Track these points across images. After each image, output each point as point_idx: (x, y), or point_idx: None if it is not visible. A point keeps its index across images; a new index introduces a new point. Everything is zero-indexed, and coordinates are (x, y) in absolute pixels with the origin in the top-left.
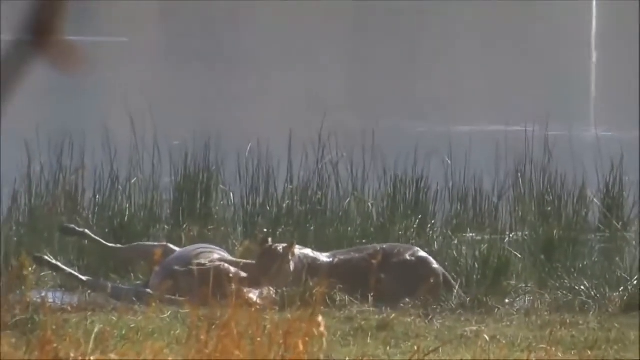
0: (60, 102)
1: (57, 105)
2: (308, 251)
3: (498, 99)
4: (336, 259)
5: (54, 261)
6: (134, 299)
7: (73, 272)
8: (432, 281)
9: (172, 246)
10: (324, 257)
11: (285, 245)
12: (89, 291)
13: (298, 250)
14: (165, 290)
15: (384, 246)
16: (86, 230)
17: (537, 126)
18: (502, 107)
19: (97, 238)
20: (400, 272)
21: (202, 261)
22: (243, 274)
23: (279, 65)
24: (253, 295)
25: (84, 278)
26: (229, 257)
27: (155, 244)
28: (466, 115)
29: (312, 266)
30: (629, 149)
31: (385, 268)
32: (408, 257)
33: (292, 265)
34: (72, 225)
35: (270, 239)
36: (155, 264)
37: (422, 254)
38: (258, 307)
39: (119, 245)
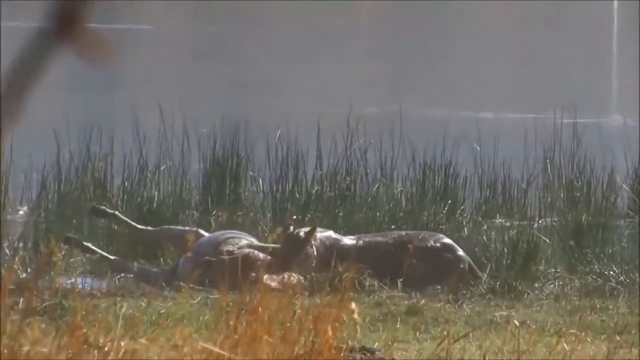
0: (89, 91)
1: (86, 94)
2: (330, 233)
3: (527, 86)
4: (361, 242)
5: (83, 242)
6: (163, 283)
7: (101, 252)
8: (458, 267)
9: (202, 232)
10: (348, 240)
11: (307, 230)
12: (117, 272)
13: (320, 233)
14: (194, 276)
15: (409, 232)
16: (117, 212)
17: (566, 113)
18: (531, 95)
19: (127, 220)
20: (425, 258)
21: (230, 247)
22: (270, 260)
23: (308, 52)
24: (275, 282)
25: (111, 257)
26: (257, 243)
27: (186, 228)
28: (494, 103)
29: (337, 249)
30: None
31: (411, 253)
32: (433, 243)
33: (314, 250)
34: (103, 207)
35: (292, 225)
36: (187, 250)
37: (447, 240)
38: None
39: (149, 228)
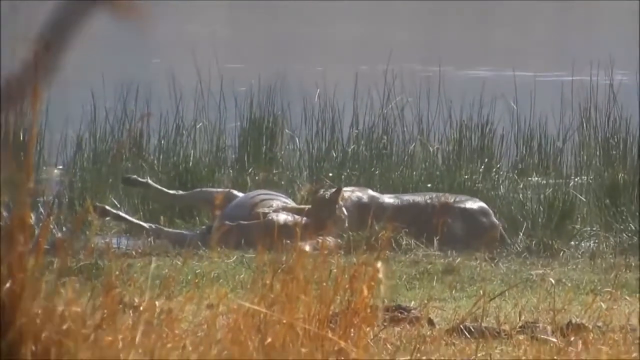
0: (126, 50)
1: (123, 54)
2: (368, 191)
3: (563, 46)
4: (399, 200)
5: (115, 211)
6: (199, 243)
7: (135, 220)
8: (491, 232)
9: (235, 192)
10: (386, 198)
11: (333, 191)
12: (152, 238)
13: (356, 192)
14: (228, 239)
15: (447, 194)
16: (148, 180)
17: (601, 72)
18: (567, 54)
19: (159, 187)
20: (461, 219)
21: (264, 209)
22: (303, 222)
23: (345, 10)
24: (309, 246)
25: (146, 225)
26: (290, 204)
27: (219, 190)
28: (531, 62)
29: (375, 206)
30: None
31: (447, 214)
32: (469, 206)
33: (344, 210)
34: (134, 176)
35: (322, 186)
36: (217, 209)
37: (482, 204)
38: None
39: (181, 192)
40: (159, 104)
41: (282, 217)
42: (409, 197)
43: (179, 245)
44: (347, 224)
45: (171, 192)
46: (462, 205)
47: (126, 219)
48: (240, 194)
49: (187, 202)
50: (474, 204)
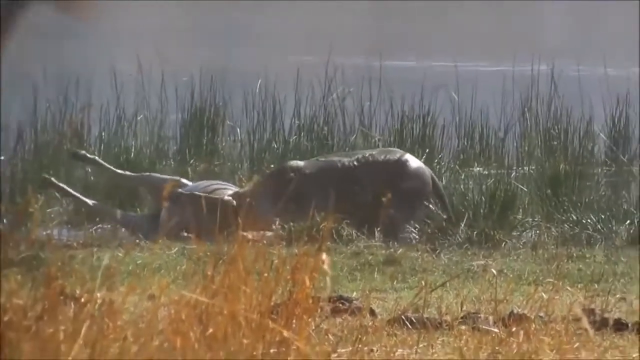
0: (67, 43)
1: (64, 46)
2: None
3: (505, 38)
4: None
5: (61, 184)
6: (142, 230)
7: (80, 195)
8: (413, 183)
9: (185, 181)
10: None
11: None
12: (96, 217)
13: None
14: (176, 225)
15: (373, 152)
16: (97, 157)
17: (543, 64)
18: (509, 46)
19: (107, 165)
20: (386, 176)
21: (216, 195)
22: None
23: (286, 1)
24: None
25: (90, 202)
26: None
27: (168, 177)
28: (472, 54)
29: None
30: (637, 85)
31: (369, 175)
32: (391, 159)
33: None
34: (84, 152)
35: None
36: (165, 198)
37: (407, 156)
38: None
39: (129, 173)
40: (100, 95)
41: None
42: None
43: (124, 227)
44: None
45: (119, 171)
46: (381, 165)
47: (72, 193)
48: (190, 183)
49: (134, 184)
50: (396, 158)
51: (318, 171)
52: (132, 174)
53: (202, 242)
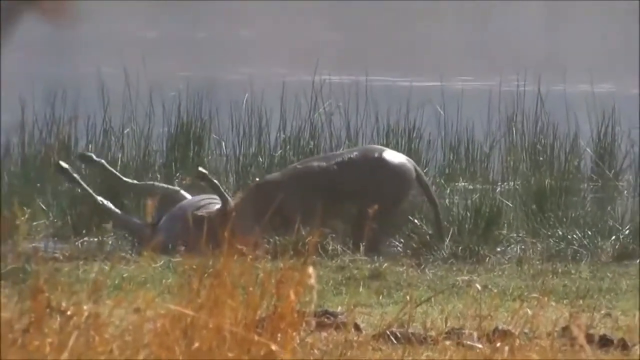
0: (53, 55)
1: (50, 58)
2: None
3: (490, 54)
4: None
5: (75, 174)
6: (141, 237)
7: (88, 188)
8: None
9: (184, 193)
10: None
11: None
12: (100, 213)
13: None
14: (172, 237)
15: (353, 152)
16: (103, 161)
17: (529, 80)
18: (495, 62)
19: (113, 170)
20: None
21: (203, 211)
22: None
23: (273, 16)
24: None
25: (98, 199)
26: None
27: (169, 187)
28: (459, 70)
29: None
30: (623, 101)
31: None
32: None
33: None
34: (90, 154)
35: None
36: (149, 214)
37: (387, 152)
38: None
39: (134, 181)
40: (87, 108)
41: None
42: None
43: (123, 229)
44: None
45: (124, 178)
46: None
47: (81, 185)
48: (189, 196)
49: (136, 192)
50: (377, 154)
51: (297, 180)
52: (136, 182)
53: (187, 255)
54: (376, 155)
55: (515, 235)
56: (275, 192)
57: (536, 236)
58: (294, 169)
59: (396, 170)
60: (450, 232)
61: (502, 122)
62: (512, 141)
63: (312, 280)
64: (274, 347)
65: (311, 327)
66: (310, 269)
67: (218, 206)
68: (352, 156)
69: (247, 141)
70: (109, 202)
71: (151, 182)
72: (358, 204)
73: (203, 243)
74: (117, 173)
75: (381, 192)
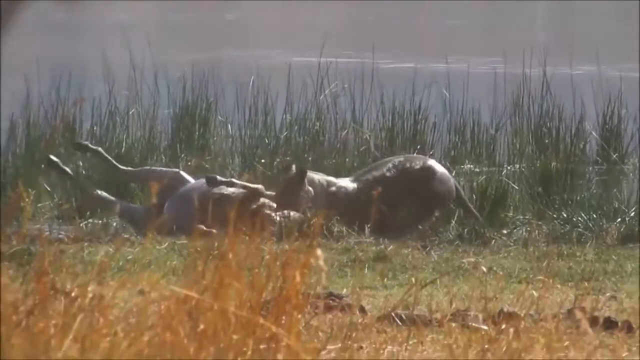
0: (60, 37)
1: (57, 40)
2: (329, 178)
3: (497, 36)
4: (357, 183)
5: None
6: (140, 222)
7: (112, 160)
8: (439, 188)
9: (184, 174)
10: (343, 182)
11: (297, 172)
12: (99, 205)
13: (315, 174)
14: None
15: (401, 159)
16: (99, 149)
17: (535, 62)
18: (501, 44)
19: (109, 157)
20: (412, 184)
21: (224, 192)
22: (271, 203)
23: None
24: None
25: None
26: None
27: (168, 170)
28: (465, 52)
29: (339, 191)
30: (629, 84)
31: (401, 182)
32: (419, 166)
33: (311, 190)
34: (86, 142)
35: (293, 166)
36: (155, 192)
37: (431, 162)
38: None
39: (130, 168)
40: (92, 89)
41: (251, 197)
42: (367, 176)
43: (125, 219)
44: (310, 204)
45: (120, 166)
46: (410, 171)
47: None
48: (188, 176)
49: (134, 179)
50: (422, 165)
51: (365, 188)
52: (133, 168)
53: (192, 237)
54: (425, 163)
55: (520, 217)
56: (347, 200)
57: (542, 218)
58: (365, 181)
59: (444, 177)
60: (456, 214)
61: (507, 105)
62: (518, 124)
63: (322, 262)
64: (275, 331)
65: (319, 309)
66: (319, 252)
67: (232, 189)
68: (404, 164)
69: (253, 123)
70: (104, 192)
71: (147, 167)
72: (408, 206)
73: (224, 223)
74: (113, 161)
75: (433, 194)
